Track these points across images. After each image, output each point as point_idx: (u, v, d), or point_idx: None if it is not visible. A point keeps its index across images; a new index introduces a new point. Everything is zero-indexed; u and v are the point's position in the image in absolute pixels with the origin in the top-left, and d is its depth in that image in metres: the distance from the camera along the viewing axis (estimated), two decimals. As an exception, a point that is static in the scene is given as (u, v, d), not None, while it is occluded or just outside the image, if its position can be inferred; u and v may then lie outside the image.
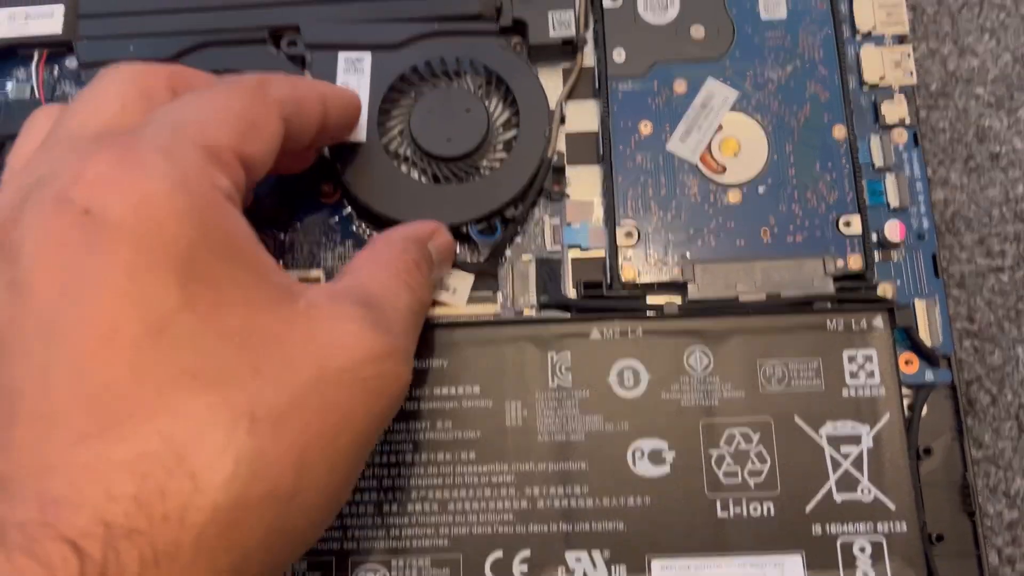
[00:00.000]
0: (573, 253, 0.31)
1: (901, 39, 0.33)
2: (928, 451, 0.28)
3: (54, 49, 0.33)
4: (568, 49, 0.32)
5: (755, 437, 0.28)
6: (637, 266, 0.30)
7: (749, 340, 0.28)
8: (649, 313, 0.29)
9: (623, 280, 0.30)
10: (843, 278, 0.29)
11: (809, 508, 0.27)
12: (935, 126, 0.34)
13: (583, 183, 0.31)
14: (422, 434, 0.28)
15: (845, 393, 0.28)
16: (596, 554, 0.27)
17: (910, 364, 0.29)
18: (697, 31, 0.32)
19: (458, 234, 0.30)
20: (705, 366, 0.28)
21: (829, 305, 0.29)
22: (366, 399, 0.21)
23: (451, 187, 0.30)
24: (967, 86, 0.35)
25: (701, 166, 0.31)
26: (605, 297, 0.30)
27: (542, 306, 0.30)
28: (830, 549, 0.27)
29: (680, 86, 0.31)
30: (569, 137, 0.32)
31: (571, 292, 0.30)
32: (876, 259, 0.30)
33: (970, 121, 0.34)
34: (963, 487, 0.28)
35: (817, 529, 0.27)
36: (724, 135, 0.31)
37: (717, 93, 0.31)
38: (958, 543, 0.28)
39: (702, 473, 0.27)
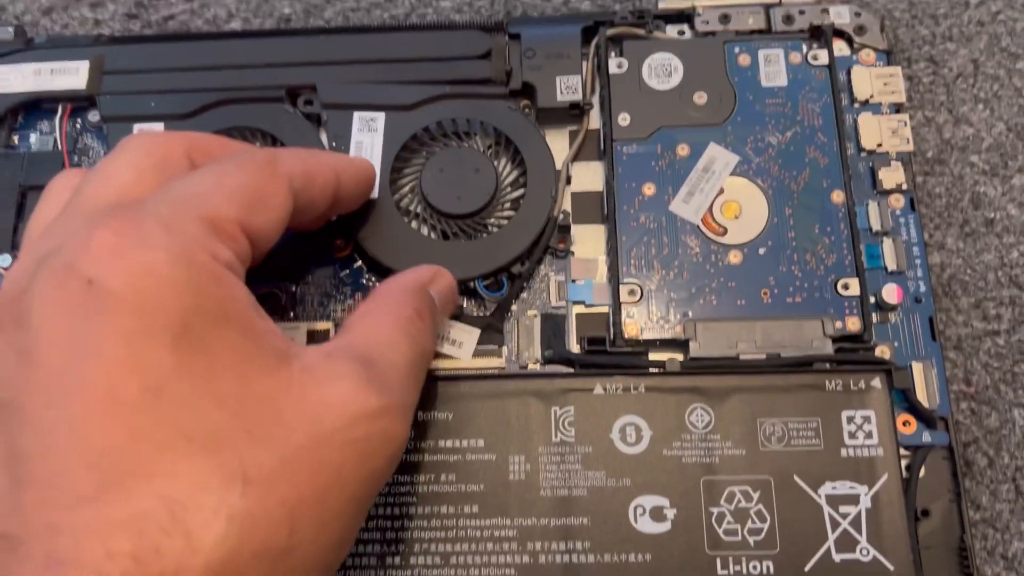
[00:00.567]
0: (577, 309, 0.31)
1: (898, 108, 0.34)
2: (926, 512, 0.28)
3: (77, 103, 0.35)
4: (575, 112, 0.33)
5: (755, 495, 0.28)
6: (640, 323, 0.30)
7: (750, 399, 0.29)
8: (652, 369, 0.30)
9: (626, 336, 0.30)
10: (842, 339, 0.30)
11: (808, 567, 0.27)
12: (931, 192, 0.35)
13: (588, 241, 0.32)
14: (425, 486, 0.28)
15: (844, 453, 0.28)
16: (597, 610, 0.27)
17: (908, 425, 0.29)
18: (700, 97, 0.33)
19: (465, 289, 0.31)
20: (706, 424, 0.29)
21: (828, 366, 0.29)
22: (358, 458, 0.22)
23: (460, 243, 0.31)
24: (962, 154, 0.36)
25: (703, 227, 0.31)
26: (608, 353, 0.30)
27: (546, 361, 0.31)
28: (829, 609, 0.27)
29: (683, 150, 0.32)
30: (575, 196, 0.33)
31: (575, 347, 0.31)
32: (874, 321, 0.30)
33: (965, 187, 0.35)
34: (961, 549, 0.28)
35: (816, 588, 0.27)
36: (725, 198, 0.32)
37: (719, 158, 0.32)
38: (956, 605, 0.28)
39: (703, 530, 0.27)
